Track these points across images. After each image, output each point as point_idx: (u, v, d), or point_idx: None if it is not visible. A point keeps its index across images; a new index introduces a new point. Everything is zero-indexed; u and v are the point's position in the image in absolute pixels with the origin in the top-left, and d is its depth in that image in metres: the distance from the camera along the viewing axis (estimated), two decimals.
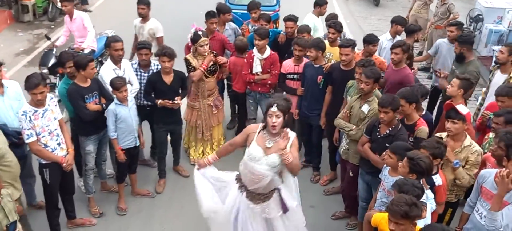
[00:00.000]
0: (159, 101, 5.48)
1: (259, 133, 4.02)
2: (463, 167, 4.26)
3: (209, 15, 6.58)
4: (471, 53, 6.12)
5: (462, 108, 4.36)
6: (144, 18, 6.80)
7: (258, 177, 3.94)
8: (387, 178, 4.06)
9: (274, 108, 3.86)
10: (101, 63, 7.22)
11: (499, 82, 5.61)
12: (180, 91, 5.67)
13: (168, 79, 5.52)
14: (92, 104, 4.98)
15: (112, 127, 5.13)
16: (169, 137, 5.92)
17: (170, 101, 5.45)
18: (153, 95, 5.58)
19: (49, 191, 4.75)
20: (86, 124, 5.02)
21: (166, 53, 5.35)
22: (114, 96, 5.12)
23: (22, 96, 4.98)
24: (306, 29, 6.40)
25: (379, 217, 3.55)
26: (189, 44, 6.30)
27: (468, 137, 4.28)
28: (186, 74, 5.87)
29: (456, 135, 4.24)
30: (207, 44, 5.84)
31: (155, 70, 5.74)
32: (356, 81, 5.13)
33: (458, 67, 6.12)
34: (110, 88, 5.14)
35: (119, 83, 5.03)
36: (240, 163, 4.11)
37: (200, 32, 5.83)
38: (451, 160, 4.19)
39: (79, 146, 5.17)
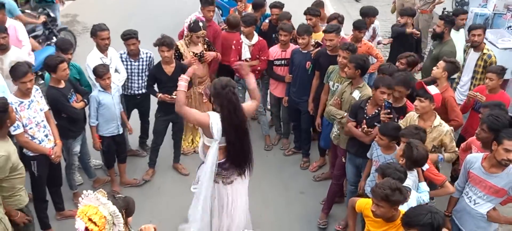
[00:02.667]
0: (159, 95, 5.43)
1: None
2: (441, 147, 4.39)
3: (206, 2, 6.40)
4: (448, 34, 6.34)
5: (432, 88, 4.41)
6: (4, 49, 5.40)
7: None
8: (383, 158, 4.14)
9: None
10: (42, 77, 6.74)
11: (474, 60, 5.90)
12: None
13: (169, 69, 5.44)
14: (75, 104, 4.91)
15: (93, 114, 5.10)
16: (169, 129, 5.82)
17: (169, 96, 5.35)
18: (156, 86, 5.54)
19: (37, 184, 4.68)
20: (73, 126, 4.94)
21: (165, 43, 5.27)
22: (97, 84, 5.06)
23: (6, 88, 4.87)
24: (286, 16, 6.37)
25: (363, 202, 3.60)
26: (184, 31, 6.23)
27: (437, 117, 4.36)
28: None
29: (425, 114, 4.31)
30: (204, 36, 5.85)
31: (145, 59, 5.68)
32: (339, 64, 5.16)
33: (436, 46, 6.29)
34: (93, 76, 5.07)
35: (101, 71, 4.98)
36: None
37: (201, 23, 5.77)
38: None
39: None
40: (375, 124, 4.39)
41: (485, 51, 5.86)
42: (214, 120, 3.94)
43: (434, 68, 5.16)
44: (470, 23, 9.62)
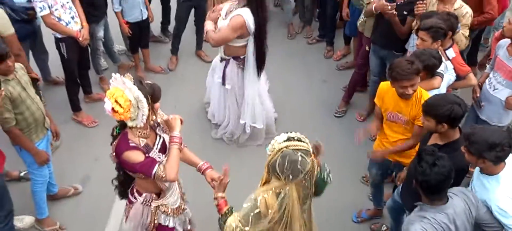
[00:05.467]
0: None
1: None
2: None
3: None
4: None
5: None
6: None
7: None
8: None
9: None
10: None
11: None
12: None
13: None
14: None
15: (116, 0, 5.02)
16: (191, 15, 5.68)
17: None
18: None
19: (68, 66, 4.74)
20: (93, 10, 4.84)
21: None
22: None
23: None
24: None
25: (385, 86, 3.48)
26: None
27: None
28: None
29: None
30: None
31: None
32: None
33: None
34: None
35: None
36: None
37: None
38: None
39: None
40: (405, 12, 4.20)
41: None
42: (247, 16, 4.02)
43: None
44: None
